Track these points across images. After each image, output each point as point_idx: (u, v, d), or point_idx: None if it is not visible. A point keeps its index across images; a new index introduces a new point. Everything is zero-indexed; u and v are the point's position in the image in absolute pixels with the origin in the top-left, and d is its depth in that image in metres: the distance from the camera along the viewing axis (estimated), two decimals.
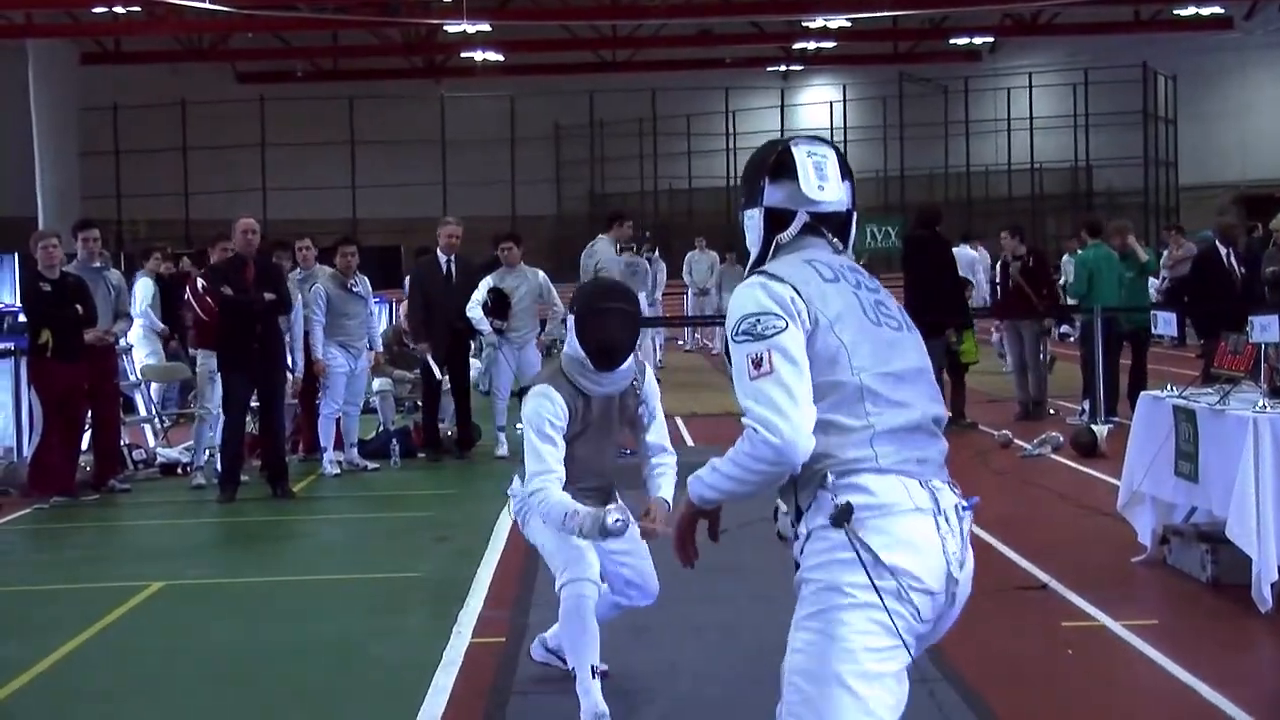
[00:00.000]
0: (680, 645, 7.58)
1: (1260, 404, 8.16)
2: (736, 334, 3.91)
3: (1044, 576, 8.87)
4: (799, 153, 4.09)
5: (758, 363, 3.84)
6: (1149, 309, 16.43)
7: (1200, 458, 8.50)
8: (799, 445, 3.81)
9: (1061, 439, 14.32)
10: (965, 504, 3.98)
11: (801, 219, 4.09)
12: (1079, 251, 17.92)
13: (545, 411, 6.19)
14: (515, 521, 6.78)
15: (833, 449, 3.87)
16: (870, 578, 3.78)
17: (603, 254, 15.54)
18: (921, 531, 3.86)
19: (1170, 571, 9.04)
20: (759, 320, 3.88)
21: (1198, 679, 6.81)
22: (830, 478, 3.86)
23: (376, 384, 16.39)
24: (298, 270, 14.69)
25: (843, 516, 3.81)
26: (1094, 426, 14.37)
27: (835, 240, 4.14)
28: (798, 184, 4.07)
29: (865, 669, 3.79)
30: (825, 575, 3.85)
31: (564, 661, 6.67)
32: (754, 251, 4.15)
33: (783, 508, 4.06)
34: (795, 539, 4.00)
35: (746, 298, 3.95)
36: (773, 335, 3.86)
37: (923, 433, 3.97)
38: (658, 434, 6.61)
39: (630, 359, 6.36)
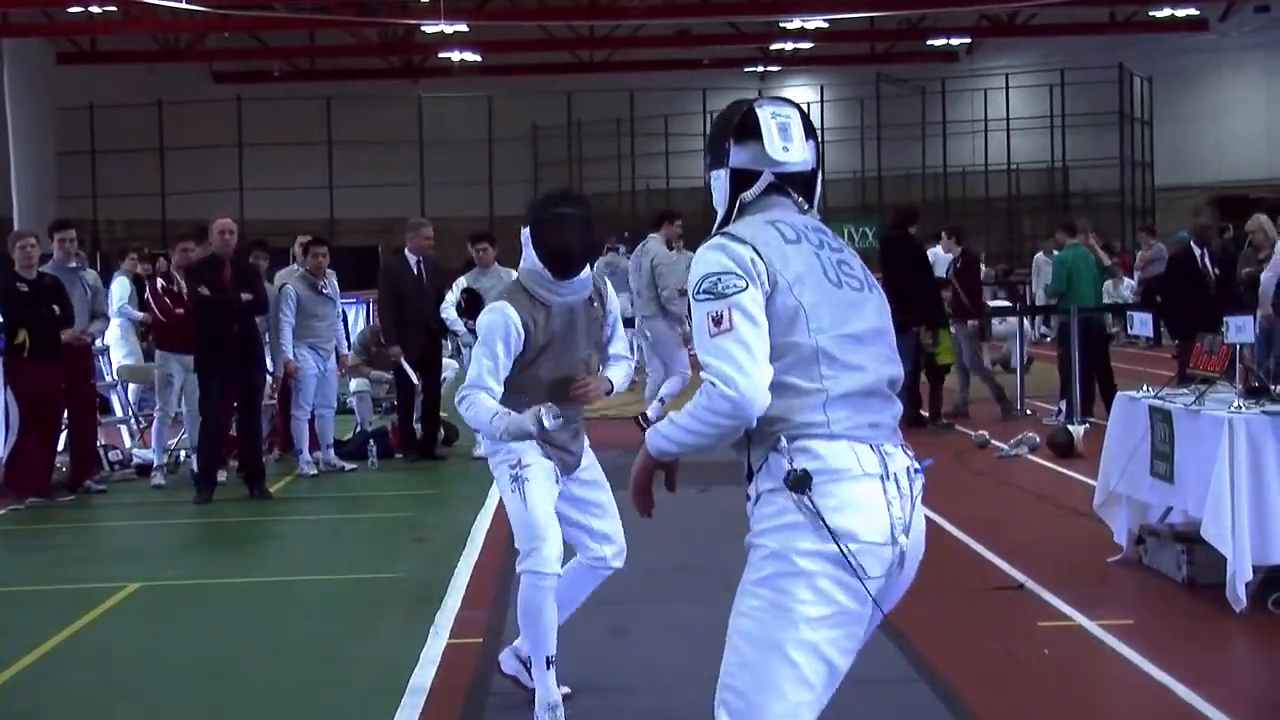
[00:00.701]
0: (659, 646, 7.59)
1: (1235, 404, 8.19)
2: (698, 293, 3.97)
3: (1020, 577, 8.89)
4: (763, 114, 4.15)
5: (718, 320, 3.91)
6: (1112, 309, 16.56)
7: (1176, 458, 8.53)
8: (756, 400, 3.87)
9: (1038, 439, 14.36)
10: (918, 466, 4.07)
11: (766, 179, 4.15)
12: (1056, 252, 17.96)
13: (496, 327, 6.12)
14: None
15: (786, 412, 3.93)
16: (816, 543, 3.86)
17: (656, 252, 15.77)
18: (868, 495, 3.92)
19: (1146, 571, 9.07)
20: (719, 279, 3.94)
21: (1173, 678, 6.83)
22: (782, 441, 3.93)
23: (354, 385, 16.37)
24: (295, 266, 14.74)
25: (801, 483, 3.87)
26: (1070, 427, 14.41)
27: (800, 199, 4.21)
28: (762, 145, 4.13)
29: (805, 638, 3.87)
30: (773, 541, 3.92)
31: (531, 676, 6.56)
32: (720, 211, 4.21)
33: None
34: (748, 499, 4.05)
35: (708, 258, 4.01)
36: (733, 294, 3.92)
37: (877, 397, 4.03)
38: (619, 346, 6.64)
39: (588, 268, 6.35)
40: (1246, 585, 7.89)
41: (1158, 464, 8.75)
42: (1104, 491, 9.42)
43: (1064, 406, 15.89)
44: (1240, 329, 8.72)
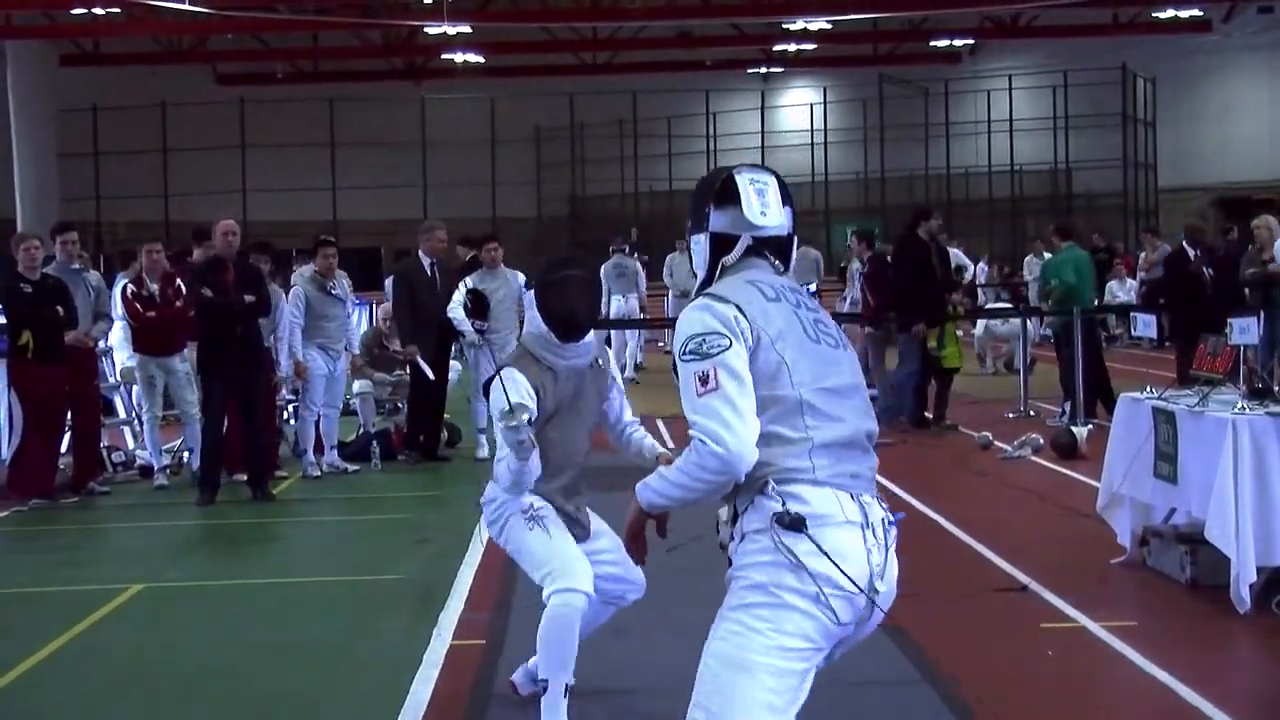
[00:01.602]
0: (661, 646, 7.58)
1: (1239, 406, 8.18)
2: (684, 354, 4.13)
3: (1024, 578, 8.88)
4: (742, 180, 4.31)
5: (704, 380, 4.06)
6: (1110, 310, 16.57)
7: (1179, 459, 8.53)
8: (744, 456, 4.04)
9: (1041, 441, 14.35)
10: (891, 518, 4.21)
11: (745, 243, 4.31)
12: (1047, 255, 17.95)
13: (511, 393, 6.11)
14: (489, 534, 6.60)
15: (774, 458, 4.09)
16: (795, 581, 4.02)
17: None
18: (849, 543, 4.07)
19: (1149, 573, 9.07)
20: (704, 340, 4.10)
21: (1177, 679, 6.83)
22: (770, 484, 4.08)
23: (356, 386, 16.37)
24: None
25: (796, 525, 4.03)
26: (1074, 428, 14.40)
27: (777, 262, 4.36)
28: (741, 210, 4.28)
29: (775, 664, 4.03)
30: (755, 574, 4.08)
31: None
32: (700, 274, 4.38)
33: (723, 517, 4.26)
34: (731, 540, 4.21)
35: (693, 319, 4.18)
36: (718, 354, 4.08)
37: (856, 448, 4.20)
38: (630, 413, 6.68)
39: (591, 334, 6.48)
40: (1250, 586, 7.90)
41: (1161, 465, 8.75)
42: (1107, 493, 9.42)
43: (1067, 408, 15.88)
44: (1244, 330, 8.72)
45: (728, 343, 4.09)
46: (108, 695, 7.31)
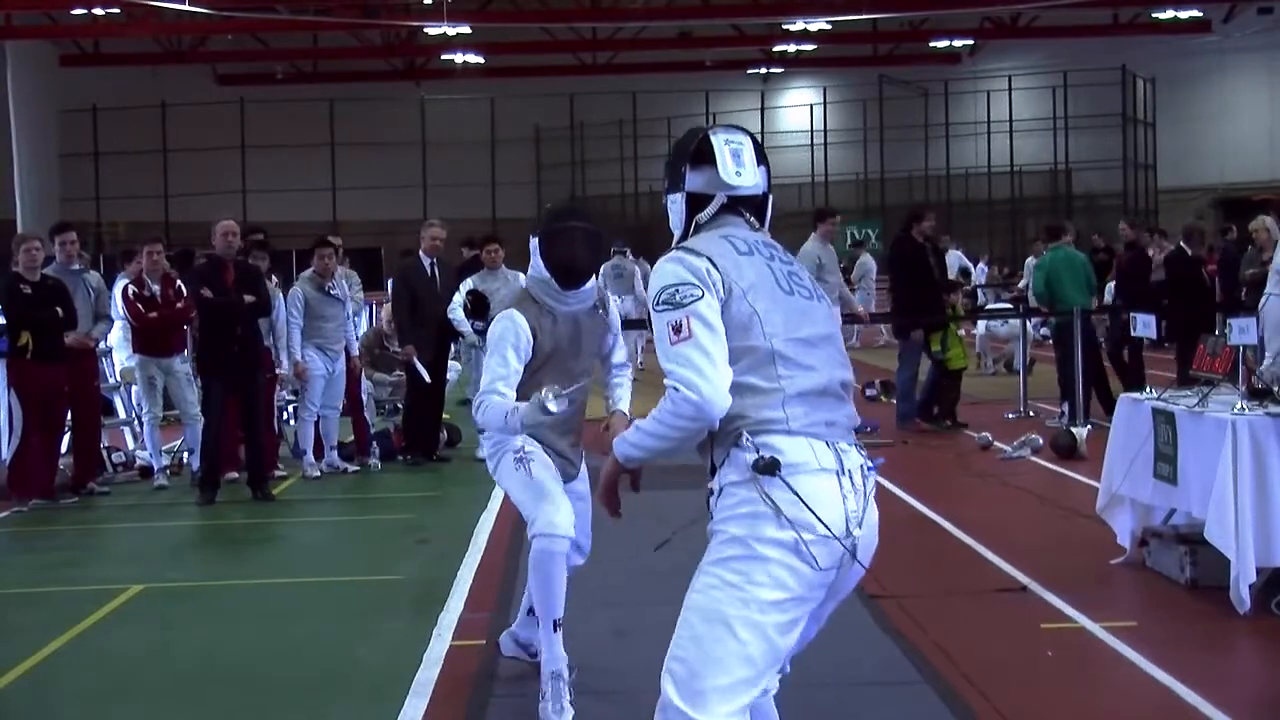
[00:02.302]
0: (661, 646, 7.57)
1: (1239, 406, 8.18)
2: (657, 304, 4.20)
3: (1023, 578, 8.88)
4: (717, 141, 4.40)
5: (677, 329, 4.13)
6: (1109, 311, 16.56)
7: (1179, 460, 8.52)
8: (717, 402, 4.10)
9: (1041, 441, 14.35)
10: (870, 464, 4.27)
11: (719, 200, 4.40)
12: (1042, 255, 17.95)
13: (507, 334, 6.32)
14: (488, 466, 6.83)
15: (747, 410, 4.16)
16: (774, 531, 4.08)
17: (817, 252, 15.55)
18: (824, 488, 4.13)
19: (1149, 573, 9.06)
20: (677, 290, 4.17)
21: (1176, 680, 6.83)
22: (744, 436, 4.14)
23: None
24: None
25: (770, 468, 4.09)
26: (1073, 429, 14.40)
27: (752, 219, 4.45)
28: (716, 170, 4.38)
29: (754, 618, 4.08)
30: (733, 527, 4.14)
31: (532, 655, 6.81)
32: (677, 232, 4.47)
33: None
34: (710, 494, 4.27)
35: (666, 271, 4.25)
36: (690, 303, 4.14)
37: (830, 396, 4.26)
38: (620, 355, 6.90)
39: (593, 279, 6.60)
40: (1250, 587, 7.89)
41: (1161, 466, 8.74)
42: (1107, 493, 9.41)
43: (1067, 408, 15.88)
44: (1244, 330, 8.72)
45: (699, 293, 4.16)
46: (108, 695, 7.31)
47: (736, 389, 4.15)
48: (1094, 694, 6.90)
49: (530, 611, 6.88)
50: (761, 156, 4.47)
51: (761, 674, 4.17)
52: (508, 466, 6.55)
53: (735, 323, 4.19)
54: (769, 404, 4.17)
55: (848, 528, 4.15)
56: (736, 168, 4.40)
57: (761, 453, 4.12)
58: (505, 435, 6.47)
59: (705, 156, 4.40)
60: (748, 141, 4.46)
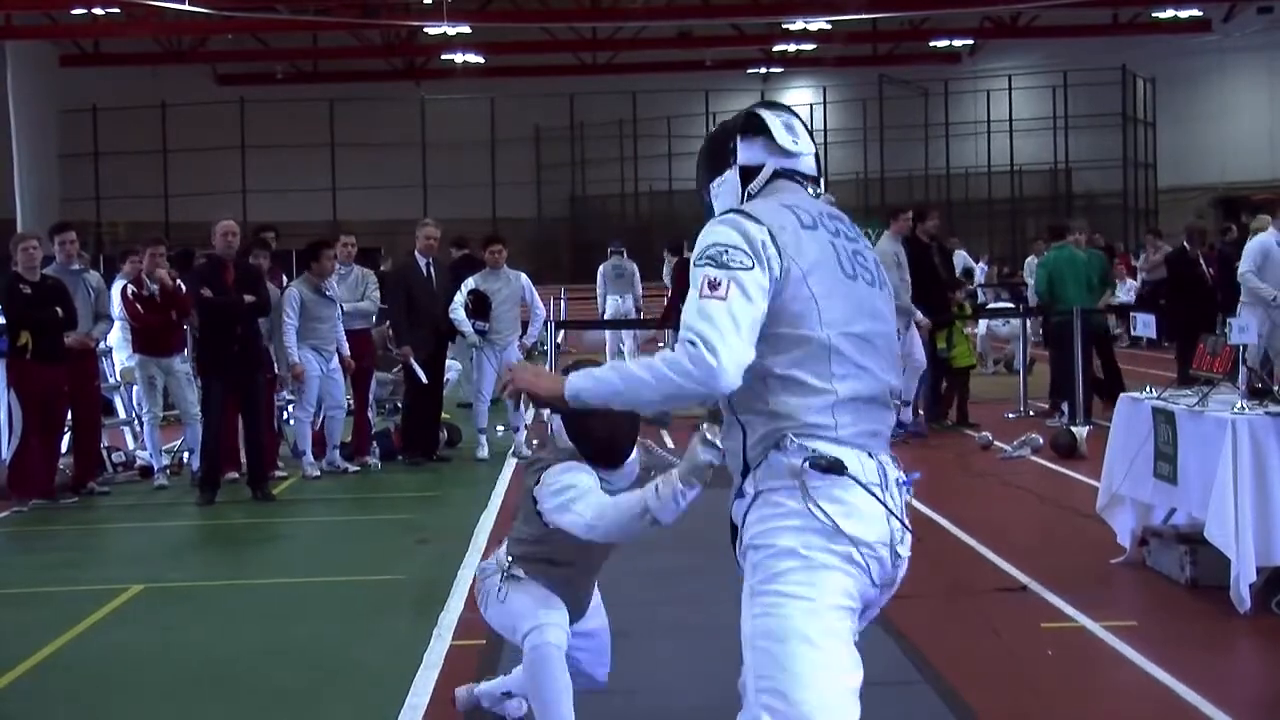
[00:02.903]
0: (659, 647, 7.58)
1: (1238, 405, 8.18)
2: (700, 258, 3.81)
3: (1024, 578, 8.89)
4: (766, 114, 4.07)
5: (714, 285, 3.74)
6: (1107, 311, 16.62)
7: (1179, 459, 8.53)
8: (729, 374, 3.70)
9: (1041, 441, 14.35)
10: (906, 479, 3.97)
11: (771, 167, 4.04)
12: (1044, 254, 17.97)
13: (594, 483, 5.23)
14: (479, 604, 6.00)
15: (795, 410, 3.82)
16: (826, 542, 3.77)
17: (895, 250, 15.26)
18: (871, 503, 3.84)
19: (1149, 573, 9.07)
20: (726, 251, 3.78)
21: (1177, 680, 6.83)
22: (789, 438, 3.81)
23: None
24: (338, 265, 14.86)
25: (835, 468, 3.77)
26: (1073, 428, 14.41)
27: (810, 186, 4.10)
28: (771, 138, 4.03)
29: (827, 624, 3.77)
30: (778, 540, 3.81)
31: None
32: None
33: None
34: (740, 496, 3.92)
35: (718, 230, 3.85)
36: (736, 269, 3.76)
37: (878, 404, 3.93)
38: None
39: (636, 449, 5.50)
40: (1250, 586, 7.90)
41: (1161, 465, 8.75)
42: (1107, 493, 9.42)
43: (1066, 408, 15.90)
44: (1243, 330, 8.72)
45: (750, 264, 3.76)
46: (108, 695, 7.31)
47: (784, 383, 3.80)
48: (1094, 694, 6.90)
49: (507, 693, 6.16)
50: (809, 134, 4.18)
51: (857, 686, 3.84)
52: (490, 588, 5.70)
53: (789, 309, 3.80)
54: (818, 407, 3.81)
55: (892, 545, 3.87)
56: (792, 137, 4.05)
57: (817, 450, 3.78)
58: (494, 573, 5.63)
59: (757, 128, 4.05)
60: (796, 117, 4.13)
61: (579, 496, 5.14)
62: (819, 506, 3.77)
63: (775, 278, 3.79)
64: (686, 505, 4.49)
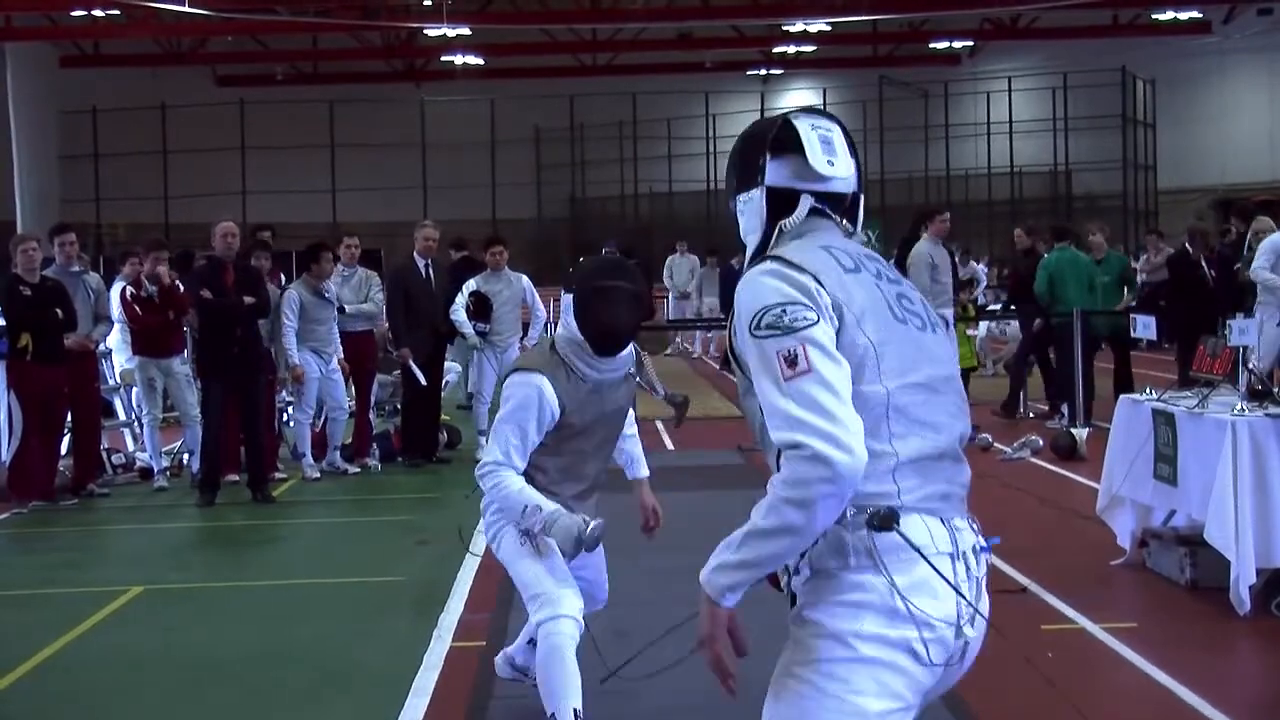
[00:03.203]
0: (662, 648, 7.58)
1: (1238, 407, 8.18)
2: (757, 327, 3.28)
3: (1024, 580, 8.89)
4: (802, 126, 3.54)
5: (792, 360, 3.20)
6: (1118, 313, 16.61)
7: (1179, 461, 8.53)
8: (859, 457, 3.16)
9: (1041, 442, 14.36)
10: (984, 544, 3.55)
11: (808, 201, 3.53)
12: (1045, 255, 17.95)
13: (532, 404, 5.70)
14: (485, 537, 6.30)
15: None
16: (884, 628, 3.31)
17: (929, 253, 15.06)
18: (938, 578, 3.38)
19: (1149, 574, 9.07)
20: (785, 310, 3.26)
21: (1177, 681, 6.84)
22: (847, 514, 3.28)
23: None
24: (341, 266, 14.87)
25: (886, 523, 3.29)
26: (1073, 430, 14.42)
27: (846, 224, 3.61)
28: (804, 158, 3.51)
29: None
30: (828, 620, 3.34)
31: (530, 679, 6.45)
32: (754, 239, 3.58)
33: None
34: (795, 574, 3.45)
35: (765, 286, 3.33)
36: (804, 328, 3.24)
37: (948, 460, 3.46)
38: (631, 427, 6.36)
39: (631, 345, 5.90)
40: (1250, 588, 7.90)
41: (1161, 467, 8.75)
42: (1107, 494, 9.42)
43: (1066, 410, 15.93)
44: (1244, 332, 8.72)
45: (814, 317, 3.24)
46: (108, 696, 7.31)
47: None
48: (1094, 695, 6.90)
49: (531, 642, 6.32)
50: (853, 148, 3.63)
51: None
52: (511, 542, 5.91)
53: (848, 360, 3.28)
54: (877, 472, 3.28)
55: (958, 623, 3.39)
56: (828, 156, 3.52)
57: (878, 508, 3.28)
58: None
59: (789, 144, 3.51)
60: (837, 128, 3.59)
61: (500, 427, 5.75)
62: (886, 569, 3.29)
63: (835, 325, 3.32)
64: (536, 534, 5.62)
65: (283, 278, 14.89)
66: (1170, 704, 6.63)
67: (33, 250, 12.89)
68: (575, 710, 5.79)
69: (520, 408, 5.72)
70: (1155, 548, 9.11)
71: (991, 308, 26.15)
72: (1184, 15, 38.73)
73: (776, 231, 3.54)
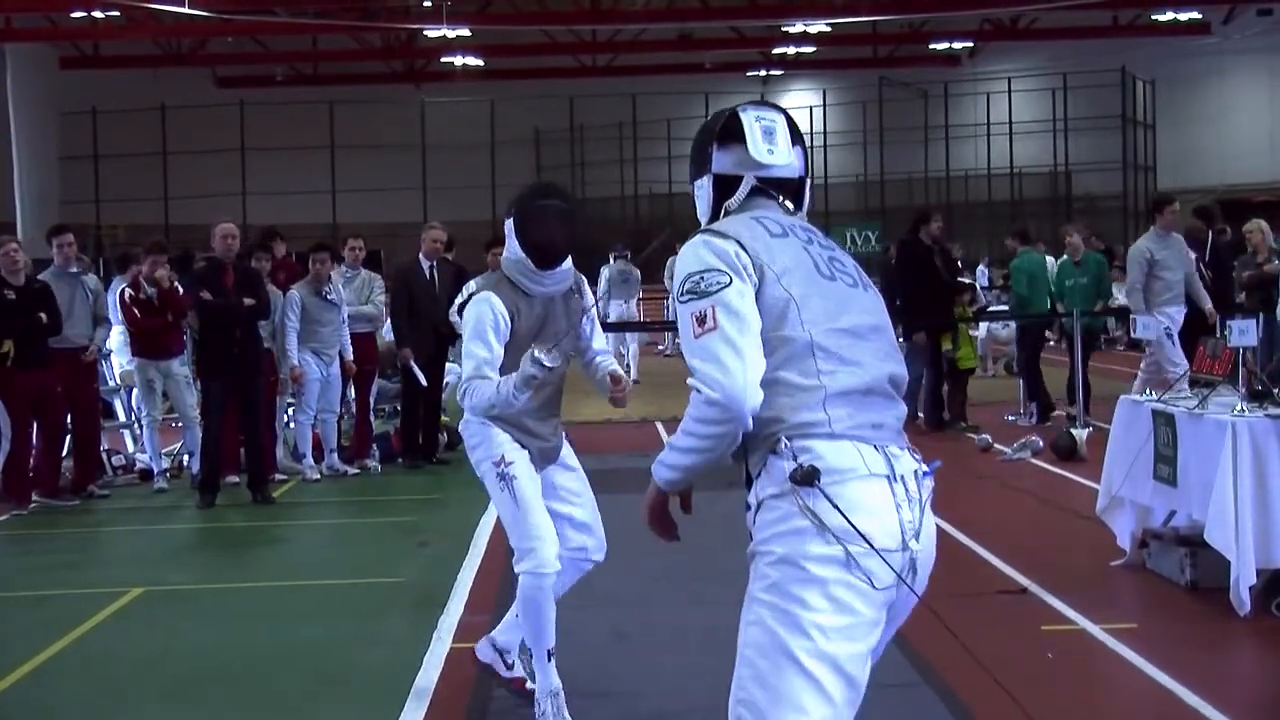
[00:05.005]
0: (662, 649, 7.58)
1: (1238, 408, 8.18)
2: (681, 293, 3.81)
3: (1024, 580, 8.89)
4: (746, 118, 4.02)
5: (701, 320, 3.74)
6: (1105, 314, 16.79)
7: (1179, 462, 8.53)
8: (744, 398, 3.68)
9: (1041, 443, 14.36)
10: (926, 468, 3.87)
11: (749, 183, 4.02)
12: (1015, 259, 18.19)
13: (485, 318, 6.29)
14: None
15: (784, 411, 3.74)
16: (824, 547, 3.64)
17: (1148, 248, 14.99)
18: (876, 496, 3.71)
19: (1149, 575, 9.07)
20: (702, 278, 3.78)
21: (1177, 682, 6.83)
22: (782, 442, 3.72)
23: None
24: (344, 268, 14.83)
25: (808, 478, 3.66)
26: (1073, 431, 14.41)
27: (787, 202, 4.07)
28: (746, 148, 3.99)
29: (820, 647, 3.63)
30: (780, 546, 3.70)
31: (509, 665, 6.73)
32: (704, 221, 4.05)
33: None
34: (747, 509, 3.85)
35: (689, 256, 3.85)
36: (716, 291, 3.75)
37: (877, 395, 3.83)
38: (599, 341, 6.73)
39: (569, 260, 6.47)
40: (1250, 589, 7.90)
41: (1161, 467, 8.75)
42: (1107, 495, 9.42)
43: (1037, 409, 16.15)
44: (1243, 332, 8.73)
45: (727, 279, 3.75)
46: (108, 698, 7.31)
47: (771, 386, 3.71)
48: (1094, 696, 6.90)
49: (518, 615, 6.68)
50: (796, 136, 4.07)
51: (841, 712, 3.69)
52: (492, 484, 6.38)
53: (769, 310, 3.77)
54: (808, 404, 3.73)
55: (904, 540, 3.72)
56: (768, 145, 3.99)
57: (800, 460, 3.68)
58: (487, 429, 6.38)
59: (734, 134, 4.00)
60: (781, 119, 4.05)
61: (466, 348, 6.37)
62: (808, 508, 3.66)
63: (754, 283, 3.79)
64: (520, 404, 6.05)
65: (281, 275, 14.84)
66: (1170, 704, 6.62)
67: (14, 251, 12.72)
68: (548, 650, 6.35)
69: (478, 324, 6.33)
70: (1155, 548, 9.11)
71: (993, 309, 26.16)
72: (1184, 16, 38.72)
73: (722, 211, 4.04)
